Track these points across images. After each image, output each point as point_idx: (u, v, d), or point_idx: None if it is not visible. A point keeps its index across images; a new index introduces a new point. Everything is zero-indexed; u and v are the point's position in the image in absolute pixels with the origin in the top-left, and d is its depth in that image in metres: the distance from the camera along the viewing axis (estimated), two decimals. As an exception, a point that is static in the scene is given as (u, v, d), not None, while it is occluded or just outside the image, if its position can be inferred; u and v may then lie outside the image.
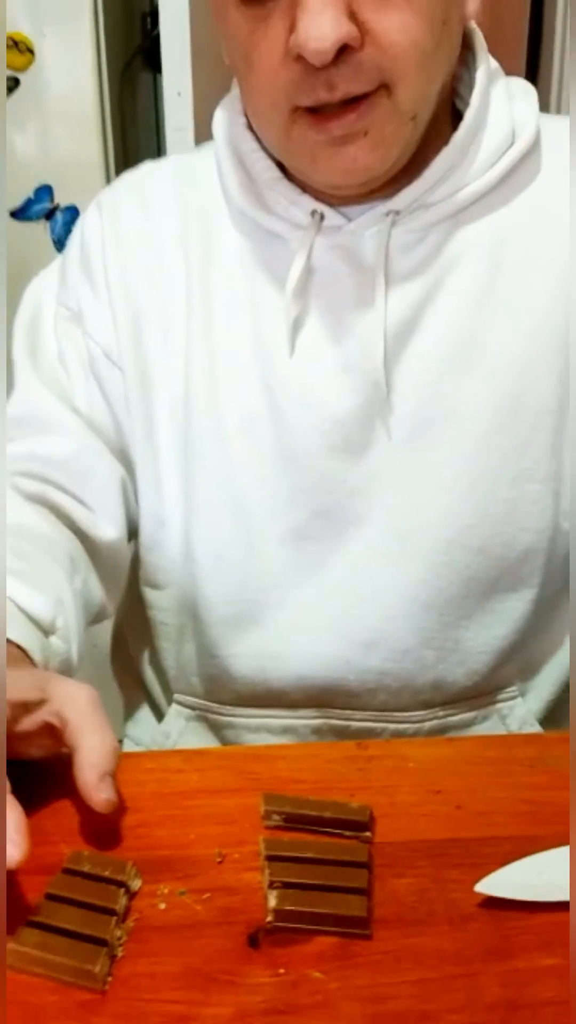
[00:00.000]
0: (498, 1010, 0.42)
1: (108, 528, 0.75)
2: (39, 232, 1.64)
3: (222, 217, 0.73)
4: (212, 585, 0.74)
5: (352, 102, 0.60)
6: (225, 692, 0.77)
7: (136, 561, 0.80)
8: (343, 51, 0.57)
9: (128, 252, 0.75)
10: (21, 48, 1.56)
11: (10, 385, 0.76)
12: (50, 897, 0.48)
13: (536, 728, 0.77)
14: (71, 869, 0.49)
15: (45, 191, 1.63)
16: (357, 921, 0.46)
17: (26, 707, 0.52)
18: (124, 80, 1.81)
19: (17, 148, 1.62)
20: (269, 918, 0.47)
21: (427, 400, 0.69)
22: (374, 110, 0.60)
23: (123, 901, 0.48)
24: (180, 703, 0.80)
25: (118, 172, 1.69)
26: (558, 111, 1.79)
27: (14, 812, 0.46)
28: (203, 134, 1.61)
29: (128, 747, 0.85)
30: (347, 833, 0.52)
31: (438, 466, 0.69)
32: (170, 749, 0.74)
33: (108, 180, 1.67)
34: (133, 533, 0.78)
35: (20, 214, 1.63)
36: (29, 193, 1.63)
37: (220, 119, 0.73)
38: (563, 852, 0.49)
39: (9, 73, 1.57)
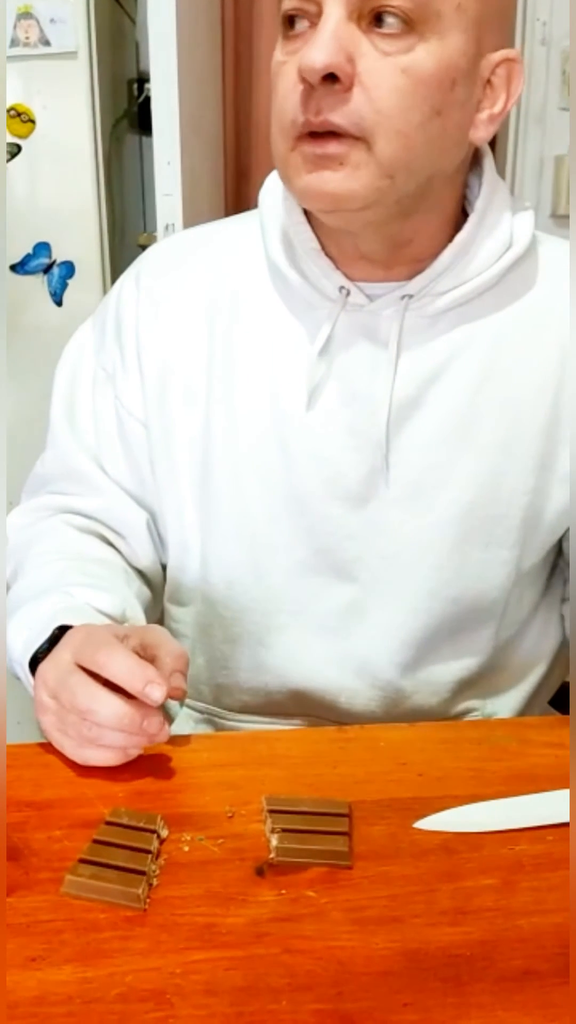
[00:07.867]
0: (449, 914, 0.55)
1: (142, 559, 0.88)
2: (37, 284, 1.77)
3: (258, 277, 0.80)
4: (224, 607, 0.85)
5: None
6: (230, 699, 0.88)
7: (164, 580, 0.92)
8: (335, 81, 0.65)
9: (159, 315, 0.83)
10: (24, 118, 1.70)
11: (49, 441, 0.90)
12: (97, 842, 0.60)
13: None
14: (112, 821, 0.62)
15: (43, 247, 1.77)
16: (341, 855, 0.59)
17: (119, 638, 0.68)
18: (112, 141, 1.96)
19: (19, 208, 1.75)
20: (272, 855, 0.59)
21: (423, 468, 0.78)
22: (352, 150, 0.67)
23: (155, 844, 0.60)
24: (190, 707, 0.91)
25: (111, 230, 1.84)
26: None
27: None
28: (189, 199, 1.76)
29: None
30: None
31: (427, 526, 0.79)
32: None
33: (101, 238, 1.81)
34: (163, 561, 0.90)
35: (20, 268, 1.76)
36: (28, 249, 1.76)
37: (271, 188, 0.80)
38: (482, 804, 0.64)
39: (12, 140, 1.72)
